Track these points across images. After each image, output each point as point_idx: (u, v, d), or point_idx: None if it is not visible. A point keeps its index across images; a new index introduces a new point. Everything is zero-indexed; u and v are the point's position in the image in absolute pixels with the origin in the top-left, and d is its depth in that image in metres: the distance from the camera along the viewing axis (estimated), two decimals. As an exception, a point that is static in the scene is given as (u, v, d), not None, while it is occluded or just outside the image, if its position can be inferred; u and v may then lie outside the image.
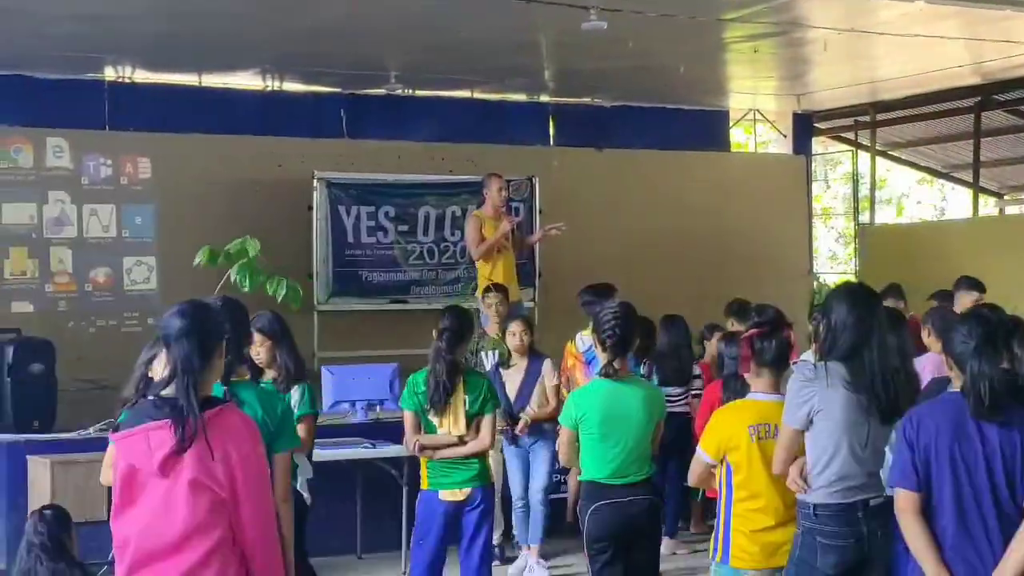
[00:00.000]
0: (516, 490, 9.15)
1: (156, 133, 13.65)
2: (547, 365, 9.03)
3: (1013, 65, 14.25)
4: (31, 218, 13.02)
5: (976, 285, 9.90)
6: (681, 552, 9.59)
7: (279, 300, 9.74)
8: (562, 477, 9.66)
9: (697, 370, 9.79)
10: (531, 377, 8.99)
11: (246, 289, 9.48)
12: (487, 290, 9.83)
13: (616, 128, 16.37)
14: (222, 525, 4.08)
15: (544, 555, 9.09)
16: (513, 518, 9.28)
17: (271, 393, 5.28)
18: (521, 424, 8.86)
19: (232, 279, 8.94)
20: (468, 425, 6.91)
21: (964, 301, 9.50)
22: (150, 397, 4.18)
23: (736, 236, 16.14)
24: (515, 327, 9.08)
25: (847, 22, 12.07)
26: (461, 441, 6.92)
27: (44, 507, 5.97)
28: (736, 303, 10.27)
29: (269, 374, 6.48)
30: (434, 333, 7.00)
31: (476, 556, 7.02)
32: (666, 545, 8.84)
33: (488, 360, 9.17)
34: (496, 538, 9.07)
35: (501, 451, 9.08)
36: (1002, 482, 4.44)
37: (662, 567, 6.87)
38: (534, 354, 9.11)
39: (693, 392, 9.65)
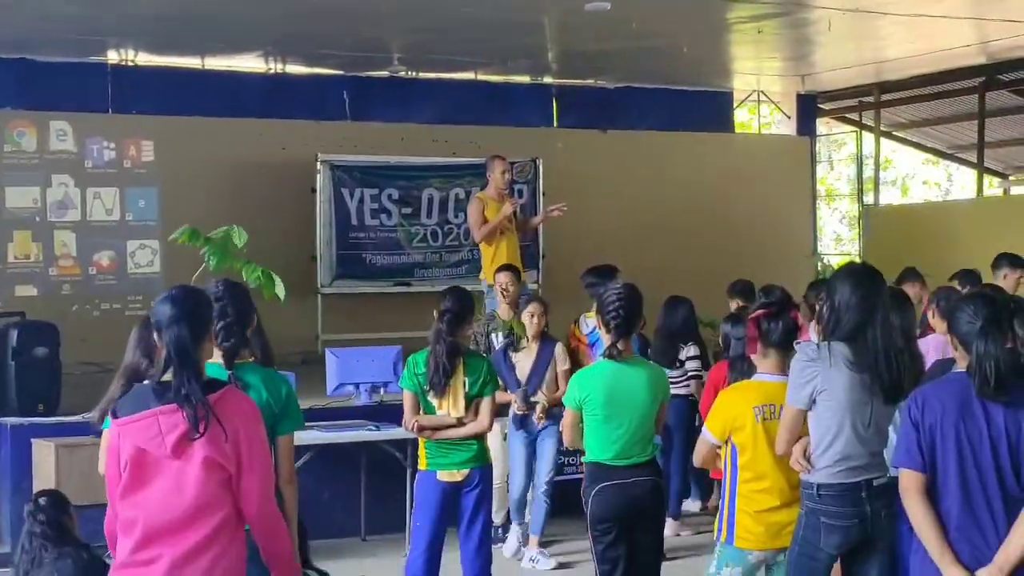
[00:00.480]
0: (517, 481, 8.94)
1: (159, 116, 13.66)
2: (559, 350, 8.93)
3: (1018, 45, 14.23)
4: (35, 201, 13.05)
5: (1018, 262, 9.83)
6: (685, 533, 9.59)
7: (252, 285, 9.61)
8: (566, 459, 9.61)
9: (692, 351, 9.71)
10: (542, 361, 8.84)
11: (211, 269, 9.39)
12: (499, 270, 9.63)
13: (620, 109, 16.38)
14: (229, 503, 4.17)
15: (544, 538, 9.05)
16: (510, 504, 9.10)
17: (275, 375, 5.26)
18: (539, 410, 8.71)
19: (203, 257, 8.80)
20: (467, 407, 6.90)
21: (1010, 280, 9.44)
22: (148, 382, 4.20)
23: (740, 217, 16.14)
24: (534, 308, 8.91)
25: (851, 2, 12.03)
26: (460, 423, 6.92)
27: (38, 494, 5.95)
28: (740, 283, 10.22)
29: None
30: (435, 314, 6.98)
31: (475, 537, 7.01)
32: (669, 526, 8.82)
33: (499, 342, 9.05)
34: (500, 519, 9.01)
35: (504, 436, 9.00)
36: (1007, 463, 4.42)
37: (666, 547, 6.86)
38: (546, 338, 9.00)
39: (691, 374, 9.61)
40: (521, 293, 9.68)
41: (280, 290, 8.65)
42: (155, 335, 4.27)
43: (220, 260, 9.11)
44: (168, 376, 4.14)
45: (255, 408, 4.38)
